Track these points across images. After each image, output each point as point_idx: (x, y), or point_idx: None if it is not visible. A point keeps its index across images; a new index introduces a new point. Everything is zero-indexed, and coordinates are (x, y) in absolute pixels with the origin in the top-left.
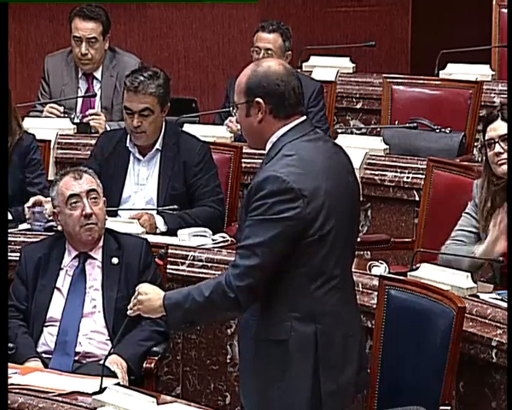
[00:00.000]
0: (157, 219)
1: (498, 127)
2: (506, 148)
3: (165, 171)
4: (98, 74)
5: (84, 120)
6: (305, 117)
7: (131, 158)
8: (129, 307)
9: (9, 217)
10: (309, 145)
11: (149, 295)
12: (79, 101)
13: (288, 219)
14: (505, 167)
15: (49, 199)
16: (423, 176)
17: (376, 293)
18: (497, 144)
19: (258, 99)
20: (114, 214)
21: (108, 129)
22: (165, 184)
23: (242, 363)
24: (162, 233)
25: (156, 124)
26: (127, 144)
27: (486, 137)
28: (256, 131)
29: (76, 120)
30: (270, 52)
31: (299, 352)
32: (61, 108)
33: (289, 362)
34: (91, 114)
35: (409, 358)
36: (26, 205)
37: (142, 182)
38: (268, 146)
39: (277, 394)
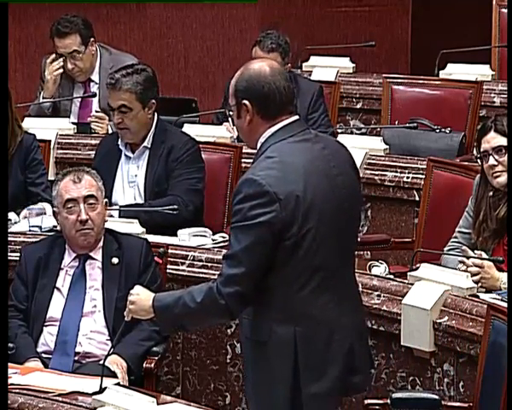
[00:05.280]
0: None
1: (492, 139)
2: (500, 160)
3: (151, 168)
4: (95, 77)
5: (88, 120)
6: (296, 117)
7: (122, 157)
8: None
9: (16, 218)
10: (294, 147)
11: (140, 295)
12: (77, 103)
13: (264, 223)
14: (500, 180)
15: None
16: (423, 176)
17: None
18: (490, 157)
19: (245, 101)
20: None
21: (110, 130)
22: (150, 182)
23: (243, 361)
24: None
25: (139, 121)
26: (118, 142)
27: (481, 149)
28: (247, 131)
29: (73, 120)
30: None
31: (279, 355)
32: (61, 59)
33: (269, 365)
34: (96, 117)
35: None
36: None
37: (132, 179)
38: (258, 146)
39: (261, 396)
